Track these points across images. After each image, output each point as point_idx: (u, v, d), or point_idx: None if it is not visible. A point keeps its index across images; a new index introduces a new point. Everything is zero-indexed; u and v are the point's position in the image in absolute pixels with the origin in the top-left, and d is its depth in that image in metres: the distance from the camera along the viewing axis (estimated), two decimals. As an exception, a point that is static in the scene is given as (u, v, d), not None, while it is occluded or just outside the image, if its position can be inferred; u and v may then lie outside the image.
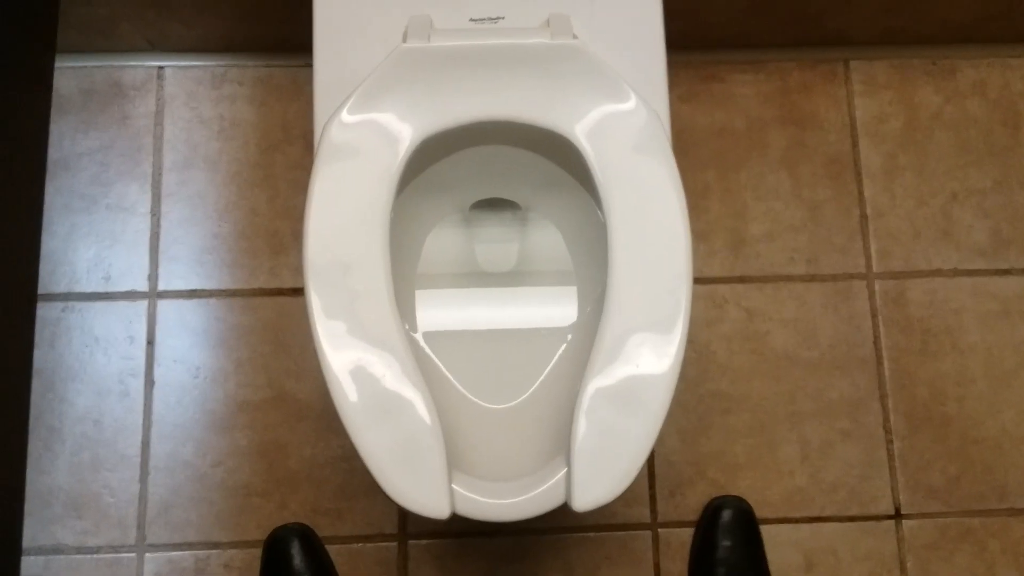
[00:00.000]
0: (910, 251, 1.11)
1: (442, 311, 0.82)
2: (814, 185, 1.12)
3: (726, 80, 1.15)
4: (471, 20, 0.77)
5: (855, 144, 1.14)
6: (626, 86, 0.73)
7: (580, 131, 0.72)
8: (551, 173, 0.81)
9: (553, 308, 0.82)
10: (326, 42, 0.78)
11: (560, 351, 0.79)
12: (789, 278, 1.10)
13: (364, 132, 0.71)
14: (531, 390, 0.78)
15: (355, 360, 0.66)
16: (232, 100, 1.11)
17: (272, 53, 1.11)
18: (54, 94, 1.08)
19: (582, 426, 0.65)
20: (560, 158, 0.79)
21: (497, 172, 0.83)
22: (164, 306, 1.06)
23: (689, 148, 1.12)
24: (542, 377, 0.78)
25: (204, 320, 1.06)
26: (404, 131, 0.71)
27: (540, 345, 0.80)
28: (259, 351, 1.05)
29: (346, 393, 0.65)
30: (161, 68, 1.12)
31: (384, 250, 0.68)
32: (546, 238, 0.85)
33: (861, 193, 1.12)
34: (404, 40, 0.74)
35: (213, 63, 1.12)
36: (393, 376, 0.66)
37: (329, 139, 0.70)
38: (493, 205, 0.86)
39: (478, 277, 0.85)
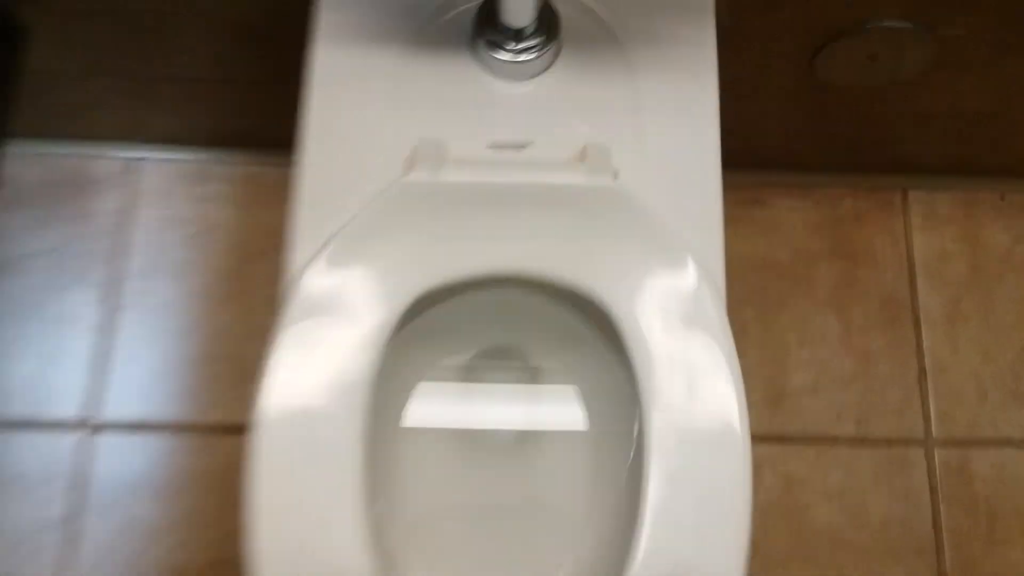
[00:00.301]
0: (975, 415, 0.99)
1: (428, 493, 0.67)
2: (866, 331, 1.00)
3: (770, 205, 1.05)
4: (490, 147, 0.64)
5: (913, 285, 1.03)
6: (675, 243, 0.60)
7: (616, 296, 0.59)
8: (574, 328, 0.68)
9: (565, 503, 0.67)
10: (316, 156, 0.65)
11: (572, 563, 0.64)
12: (835, 441, 0.97)
13: (347, 287, 0.57)
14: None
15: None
16: (213, 200, 0.99)
17: (263, 150, 0.99)
18: (11, 184, 0.96)
19: None
20: (587, 316, 0.65)
21: (507, 320, 0.70)
22: (102, 440, 0.93)
23: (725, 280, 0.99)
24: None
25: (147, 460, 0.92)
26: (397, 287, 0.58)
27: (549, 554, 0.64)
28: (207, 501, 0.91)
29: None
30: (136, 160, 1.00)
31: (357, 443, 0.54)
32: (562, 405, 0.70)
33: (920, 343, 1.01)
34: (412, 167, 0.61)
35: (195, 157, 1.00)
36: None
37: (301, 295, 0.56)
38: (498, 356, 0.72)
39: (475, 448, 0.70)
